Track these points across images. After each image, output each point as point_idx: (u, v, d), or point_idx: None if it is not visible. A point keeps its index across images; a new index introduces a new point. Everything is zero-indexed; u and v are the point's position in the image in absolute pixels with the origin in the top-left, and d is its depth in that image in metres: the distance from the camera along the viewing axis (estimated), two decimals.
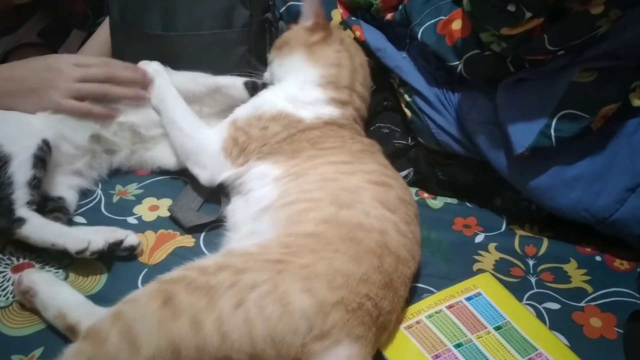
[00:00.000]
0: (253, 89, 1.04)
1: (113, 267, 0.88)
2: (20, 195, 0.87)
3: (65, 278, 0.86)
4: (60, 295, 0.77)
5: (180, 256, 0.91)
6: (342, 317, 0.68)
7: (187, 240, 0.95)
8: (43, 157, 0.92)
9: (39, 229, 0.85)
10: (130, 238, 0.90)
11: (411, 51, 1.10)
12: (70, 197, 0.97)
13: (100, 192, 1.04)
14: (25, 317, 0.79)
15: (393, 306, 0.76)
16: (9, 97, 0.98)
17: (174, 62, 1.07)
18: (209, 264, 0.71)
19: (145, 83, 1.03)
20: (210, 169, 0.96)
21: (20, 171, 0.89)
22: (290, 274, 0.69)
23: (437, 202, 1.09)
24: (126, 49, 1.11)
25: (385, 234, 0.79)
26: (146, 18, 1.07)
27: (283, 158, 0.91)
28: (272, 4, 1.15)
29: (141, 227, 0.96)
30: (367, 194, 0.83)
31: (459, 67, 1.01)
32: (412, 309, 0.83)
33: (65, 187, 0.98)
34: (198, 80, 1.05)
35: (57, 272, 0.87)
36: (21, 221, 0.85)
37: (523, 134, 0.92)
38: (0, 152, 0.89)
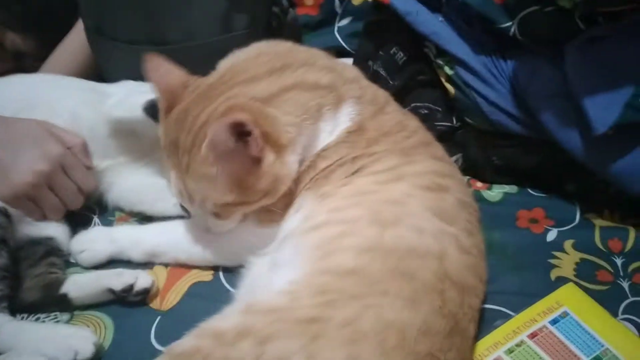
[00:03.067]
0: (153, 111, 0.81)
1: (119, 319, 0.74)
2: None
3: None
4: None
5: (197, 296, 0.76)
6: None
7: (204, 274, 0.79)
8: (2, 237, 0.74)
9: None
10: (142, 280, 0.74)
11: (448, 13, 0.90)
12: (60, 234, 0.82)
13: (97, 220, 0.88)
14: None
15: (461, 355, 0.60)
16: None
17: None
18: (227, 327, 0.56)
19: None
20: (264, 242, 0.74)
21: None
22: (329, 338, 0.54)
23: (494, 194, 0.92)
24: (107, 62, 0.94)
25: (445, 258, 0.63)
26: (127, 30, 0.88)
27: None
28: None
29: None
30: (417, 204, 0.67)
31: (512, 29, 0.81)
32: (486, 342, 0.68)
33: (49, 222, 0.82)
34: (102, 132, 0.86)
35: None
36: None
37: (605, 109, 0.74)
38: None
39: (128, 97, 0.86)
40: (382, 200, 0.67)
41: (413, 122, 0.79)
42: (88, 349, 0.66)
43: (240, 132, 0.63)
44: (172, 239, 0.80)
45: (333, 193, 0.69)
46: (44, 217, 0.81)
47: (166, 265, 0.80)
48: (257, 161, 0.66)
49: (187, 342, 0.57)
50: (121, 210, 0.90)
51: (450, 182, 0.71)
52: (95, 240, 0.81)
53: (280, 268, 0.66)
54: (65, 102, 0.86)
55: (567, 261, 0.80)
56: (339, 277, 0.60)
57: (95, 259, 0.80)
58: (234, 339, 0.54)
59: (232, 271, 0.78)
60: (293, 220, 0.70)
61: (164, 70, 0.72)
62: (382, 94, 0.80)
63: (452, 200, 0.69)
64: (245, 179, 0.67)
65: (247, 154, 0.65)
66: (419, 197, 0.67)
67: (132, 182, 0.89)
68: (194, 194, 0.70)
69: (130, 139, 0.88)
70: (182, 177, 0.70)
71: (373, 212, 0.66)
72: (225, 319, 0.58)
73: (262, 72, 0.71)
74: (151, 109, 0.81)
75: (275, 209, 0.72)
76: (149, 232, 0.82)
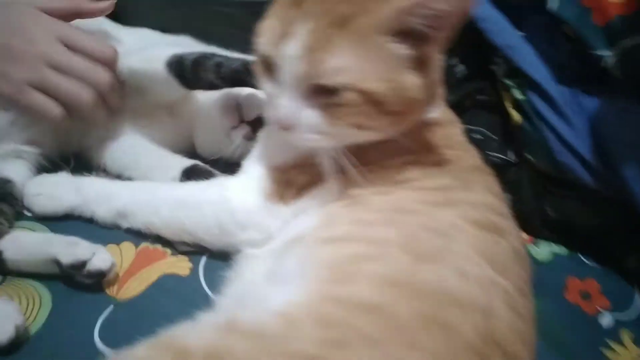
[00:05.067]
0: (175, 67, 0.71)
1: (60, 297, 0.59)
2: None
3: None
4: None
5: (166, 291, 0.61)
6: None
7: (181, 265, 0.64)
8: None
9: None
10: (99, 258, 0.59)
11: (531, 28, 0.78)
12: (21, 179, 0.68)
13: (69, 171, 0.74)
14: None
15: None
16: None
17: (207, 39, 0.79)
18: (196, 345, 0.42)
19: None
20: (263, 223, 0.61)
21: None
22: None
23: (540, 251, 0.77)
24: (137, 14, 0.84)
25: (491, 315, 0.49)
26: None
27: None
28: None
29: (117, 234, 0.66)
30: (466, 241, 0.53)
31: (610, 60, 0.68)
32: None
33: (13, 162, 0.69)
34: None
35: None
36: None
37: None
38: None
39: (147, 48, 0.74)
40: (424, 225, 0.53)
41: (472, 147, 0.65)
42: (5, 332, 0.51)
43: None
44: (149, 199, 0.65)
45: (365, 200, 0.54)
46: (61, 109, 0.68)
47: (136, 244, 0.65)
48: (425, 63, 0.53)
49: (140, 352, 0.43)
50: (106, 171, 0.76)
51: (507, 225, 0.58)
52: (58, 185, 0.67)
53: (280, 282, 0.52)
54: None
55: (625, 357, 0.66)
56: (353, 311, 0.46)
57: (51, 206, 0.66)
58: None
59: (215, 270, 0.62)
60: (306, 220, 0.55)
61: None
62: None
63: (507, 247, 0.55)
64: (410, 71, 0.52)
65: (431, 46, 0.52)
66: (469, 233, 0.53)
67: (129, 142, 0.76)
68: (329, 60, 0.50)
69: (135, 97, 0.76)
70: (325, 29, 0.50)
71: (410, 237, 0.52)
72: (196, 333, 0.44)
73: None
74: (175, 65, 0.70)
75: (295, 180, 0.59)
76: (124, 188, 0.68)
